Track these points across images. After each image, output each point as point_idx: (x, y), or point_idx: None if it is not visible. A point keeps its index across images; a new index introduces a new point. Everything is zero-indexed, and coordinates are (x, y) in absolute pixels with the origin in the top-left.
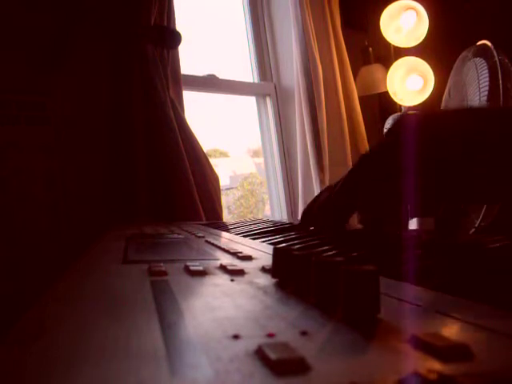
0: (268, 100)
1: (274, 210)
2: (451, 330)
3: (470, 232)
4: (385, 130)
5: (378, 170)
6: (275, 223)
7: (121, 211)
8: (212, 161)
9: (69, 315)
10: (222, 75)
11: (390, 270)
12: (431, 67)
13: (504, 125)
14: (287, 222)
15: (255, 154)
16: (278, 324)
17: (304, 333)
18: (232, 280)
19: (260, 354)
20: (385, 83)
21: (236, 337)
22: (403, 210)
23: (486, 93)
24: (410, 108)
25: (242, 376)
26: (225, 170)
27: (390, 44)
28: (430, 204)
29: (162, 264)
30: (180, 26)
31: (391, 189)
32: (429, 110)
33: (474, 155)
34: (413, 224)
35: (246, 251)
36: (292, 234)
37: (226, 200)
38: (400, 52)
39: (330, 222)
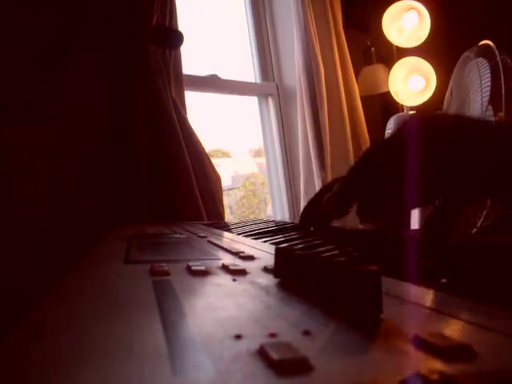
0: (270, 100)
1: (276, 210)
2: (454, 331)
3: (472, 232)
4: (387, 130)
5: (380, 164)
6: (277, 223)
7: (123, 211)
8: (214, 161)
9: (71, 315)
10: (224, 75)
11: (392, 270)
12: (433, 67)
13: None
14: (289, 222)
15: (257, 154)
16: (280, 324)
17: (306, 333)
18: (234, 280)
19: (262, 353)
20: (387, 83)
21: (238, 337)
22: (404, 206)
23: (488, 93)
24: (411, 108)
25: (244, 376)
26: (227, 170)
27: (392, 44)
28: (430, 196)
29: (164, 264)
30: (182, 26)
31: (393, 183)
32: (432, 113)
33: (475, 157)
34: (414, 224)
35: (248, 251)
36: (294, 234)
37: (227, 200)
38: (402, 52)
39: (331, 213)
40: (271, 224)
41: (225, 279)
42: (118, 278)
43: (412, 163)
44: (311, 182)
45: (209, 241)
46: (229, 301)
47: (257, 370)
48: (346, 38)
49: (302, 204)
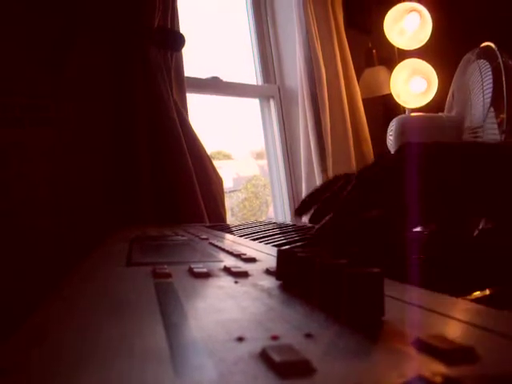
0: (271, 102)
1: (278, 212)
2: (456, 333)
3: (474, 234)
4: (388, 132)
5: (382, 186)
6: (279, 225)
7: (124, 213)
8: (216, 163)
9: (73, 317)
10: (226, 77)
11: (394, 272)
12: (435, 69)
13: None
14: (291, 224)
15: (259, 156)
16: (282, 326)
17: (308, 335)
18: (236, 282)
19: (264, 356)
20: (388, 85)
21: (240, 339)
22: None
23: (490, 95)
24: (413, 110)
25: (246, 378)
26: (228, 173)
27: (393, 46)
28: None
29: (165, 266)
30: (183, 28)
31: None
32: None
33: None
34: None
35: (250, 253)
36: (296, 236)
37: (229, 202)
38: (404, 54)
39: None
40: (273, 226)
41: (227, 281)
42: (120, 280)
43: (414, 184)
44: (313, 184)
45: (210, 243)
46: (231, 303)
47: (259, 373)
48: (348, 40)
49: None
